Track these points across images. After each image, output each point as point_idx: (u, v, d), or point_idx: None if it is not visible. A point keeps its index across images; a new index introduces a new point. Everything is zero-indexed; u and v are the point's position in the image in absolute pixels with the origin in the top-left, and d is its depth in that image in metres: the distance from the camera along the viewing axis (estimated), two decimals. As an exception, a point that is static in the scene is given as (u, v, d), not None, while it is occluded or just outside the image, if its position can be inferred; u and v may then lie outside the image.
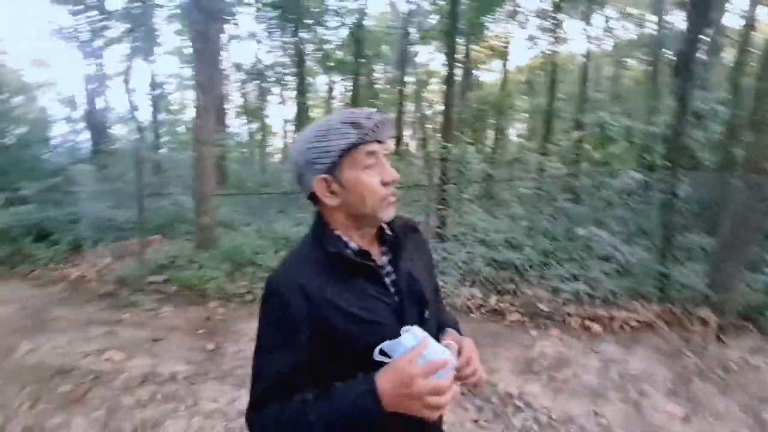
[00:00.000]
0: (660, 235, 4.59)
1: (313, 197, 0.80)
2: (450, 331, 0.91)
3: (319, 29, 17.09)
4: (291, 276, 0.75)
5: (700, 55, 4.75)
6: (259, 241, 5.14)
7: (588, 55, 9.86)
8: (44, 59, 22.45)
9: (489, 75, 19.92)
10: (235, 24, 16.91)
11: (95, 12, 15.14)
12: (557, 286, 4.47)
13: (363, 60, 14.89)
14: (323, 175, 0.76)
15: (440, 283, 4.19)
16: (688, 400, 2.72)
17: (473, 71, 16.56)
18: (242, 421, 2.43)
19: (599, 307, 4.06)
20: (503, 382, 2.86)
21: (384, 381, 0.65)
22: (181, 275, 4.40)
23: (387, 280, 0.81)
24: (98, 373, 2.85)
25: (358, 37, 12.17)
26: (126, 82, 17.10)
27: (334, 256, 0.76)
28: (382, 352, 0.69)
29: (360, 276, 0.77)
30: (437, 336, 0.84)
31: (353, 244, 0.79)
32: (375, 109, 0.81)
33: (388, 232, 0.86)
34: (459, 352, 0.76)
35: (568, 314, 3.91)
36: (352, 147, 0.74)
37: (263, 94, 19.86)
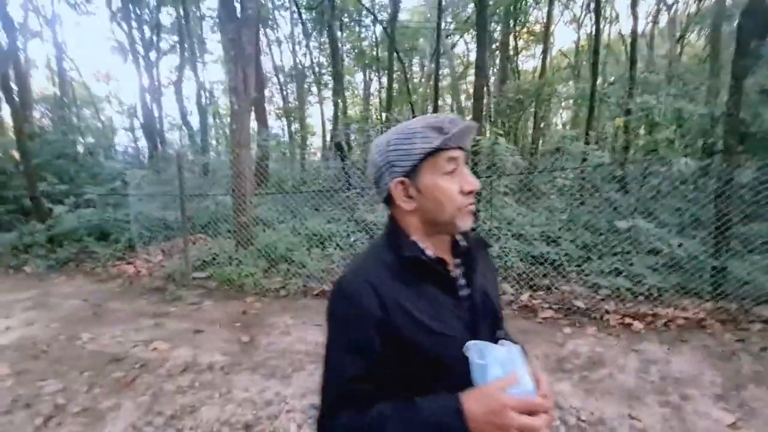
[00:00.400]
0: (714, 226, 4.22)
1: (388, 200, 0.79)
2: (501, 335, 0.87)
3: (355, 27, 17.31)
4: (363, 277, 0.73)
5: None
6: (292, 238, 5.32)
7: (634, 34, 9.13)
8: (109, 73, 24.43)
9: (533, 62, 19.19)
10: (274, 27, 17.57)
11: (147, 27, 16.31)
12: (596, 281, 4.26)
13: (398, 55, 14.83)
14: (402, 178, 0.75)
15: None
16: (739, 407, 2.50)
17: (512, 59, 16.00)
18: (270, 410, 2.56)
19: (642, 304, 3.82)
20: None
21: (473, 403, 0.64)
22: (221, 272, 4.67)
23: (461, 293, 0.79)
24: (146, 361, 3.11)
25: (391, 32, 12.10)
26: (178, 90, 18.29)
27: (410, 261, 0.74)
28: (470, 349, 0.68)
29: (434, 285, 0.75)
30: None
31: (429, 252, 0.77)
32: (458, 116, 0.81)
33: (463, 243, 0.84)
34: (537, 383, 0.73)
35: (607, 311, 3.71)
36: (434, 152, 0.73)
37: (303, 94, 20.42)
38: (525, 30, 15.87)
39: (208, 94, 19.41)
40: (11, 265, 5.26)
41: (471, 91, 19.96)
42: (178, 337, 3.50)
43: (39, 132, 11.33)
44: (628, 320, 3.58)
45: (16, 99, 12.85)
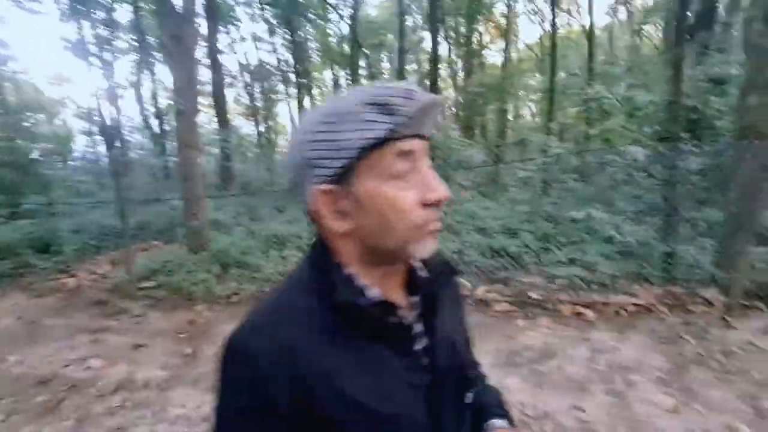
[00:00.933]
0: (665, 212, 4.32)
1: (316, 215, 0.53)
2: (499, 427, 0.67)
3: (320, 23, 17.05)
4: (271, 339, 0.49)
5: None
6: (247, 241, 5.14)
7: (591, 27, 9.33)
8: (63, 75, 23.32)
9: (500, 56, 19.44)
10: (237, 25, 17.11)
11: (102, 26, 15.57)
12: (553, 272, 4.28)
13: (363, 51, 14.70)
14: (328, 186, 0.51)
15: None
16: (680, 390, 2.52)
17: (478, 53, 16.15)
18: (206, 426, 2.41)
19: (596, 292, 3.85)
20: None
21: None
22: (171, 279, 4.45)
23: (417, 347, 0.57)
24: (76, 381, 2.89)
25: (353, 27, 11.97)
26: (137, 92, 17.60)
27: (344, 309, 0.51)
28: None
29: (378, 341, 0.53)
30: (478, 425, 0.66)
31: (373, 291, 0.54)
32: (417, 85, 0.54)
33: (423, 274, 0.60)
34: None
35: (560, 302, 3.72)
36: (377, 144, 0.48)
37: (270, 92, 20.01)
38: (490, 24, 16.04)
39: (168, 96, 18.77)
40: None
41: (441, 86, 20.13)
42: (116, 353, 3.28)
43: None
44: (580, 309, 3.59)
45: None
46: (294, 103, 19.89)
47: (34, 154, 10.26)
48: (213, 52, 11.15)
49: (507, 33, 12.58)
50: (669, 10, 9.79)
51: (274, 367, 0.47)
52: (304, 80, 18.52)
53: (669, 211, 4.19)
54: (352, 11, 13.03)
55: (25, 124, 15.23)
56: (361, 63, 17.96)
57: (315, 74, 21.09)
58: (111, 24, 15.55)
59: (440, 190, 0.51)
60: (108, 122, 15.97)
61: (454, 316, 0.67)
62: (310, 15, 16.06)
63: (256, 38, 18.07)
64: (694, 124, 4.94)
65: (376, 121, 0.48)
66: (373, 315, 0.52)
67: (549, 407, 2.42)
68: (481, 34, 16.32)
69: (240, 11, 16.63)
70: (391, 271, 0.56)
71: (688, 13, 4.06)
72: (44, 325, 3.89)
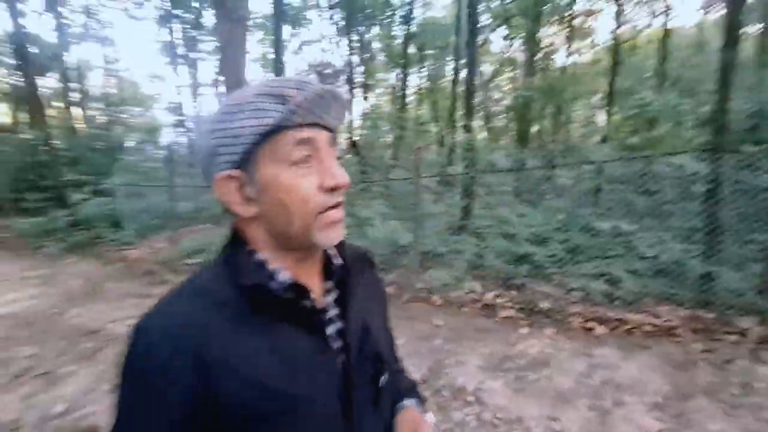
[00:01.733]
0: (707, 231, 3.93)
1: (224, 201, 0.55)
2: (408, 405, 0.71)
3: (386, 25, 17.41)
4: (175, 330, 0.48)
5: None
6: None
7: (666, 29, 8.59)
8: (158, 73, 26.29)
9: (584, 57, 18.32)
10: (307, 27, 18.06)
11: (190, 28, 17.33)
12: (574, 284, 4.10)
13: (430, 52, 14.77)
14: (229, 171, 0.53)
15: (445, 276, 4.14)
16: (674, 417, 2.36)
17: (544, 54, 15.44)
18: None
19: (615, 308, 3.64)
20: (463, 377, 2.76)
21: None
22: (209, 258, 4.95)
23: (330, 330, 0.58)
24: (116, 336, 3.39)
25: (407, 29, 12.11)
26: (216, 89, 19.33)
27: (252, 292, 0.52)
28: None
29: (290, 323, 0.54)
30: (393, 411, 0.68)
31: (284, 275, 0.55)
32: (314, 78, 0.57)
33: (337, 260, 0.63)
34: None
35: (571, 314, 3.58)
36: (273, 132, 0.51)
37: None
38: (562, 23, 15.25)
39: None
40: (35, 247, 5.86)
41: (507, 87, 19.54)
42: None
43: (87, 127, 12.42)
44: (591, 324, 3.43)
45: (70, 96, 14.15)
46: (358, 104, 20.55)
47: (128, 142, 11.73)
48: (278, 54, 11.90)
49: (571, 33, 11.92)
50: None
51: (176, 349, 0.47)
52: (368, 81, 19.06)
53: (710, 229, 3.81)
54: (408, 12, 13.17)
55: (123, 116, 17.45)
56: (425, 64, 18.12)
57: (382, 74, 21.50)
58: (197, 26, 17.25)
59: (339, 176, 0.53)
60: (189, 116, 17.75)
61: (373, 306, 0.68)
62: (375, 16, 16.50)
63: (323, 39, 18.94)
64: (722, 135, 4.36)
65: (268, 110, 0.51)
66: (283, 298, 0.53)
67: (523, 413, 2.40)
68: (553, 35, 15.60)
69: (312, 14, 17.60)
70: (304, 257, 0.57)
71: None
72: (104, 287, 4.55)
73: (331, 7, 16.11)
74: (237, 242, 0.57)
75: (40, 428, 2.29)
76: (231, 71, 4.94)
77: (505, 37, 13.85)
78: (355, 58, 18.81)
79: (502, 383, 2.71)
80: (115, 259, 5.44)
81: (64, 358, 3.03)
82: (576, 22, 15.03)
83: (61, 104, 14.14)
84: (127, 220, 6.30)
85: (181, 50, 17.96)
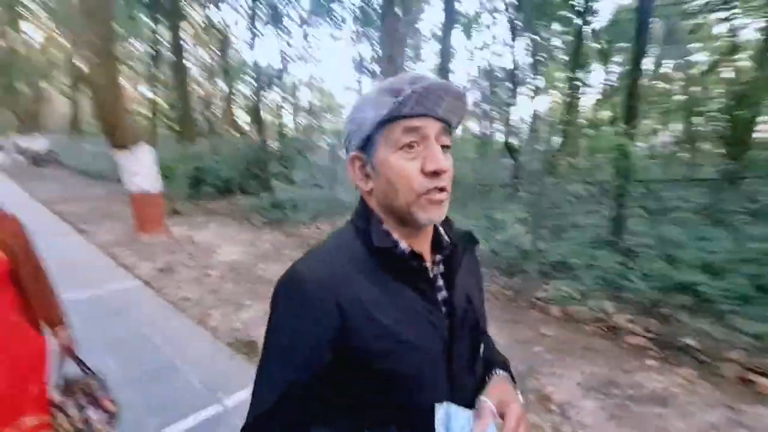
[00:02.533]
0: None
1: (351, 176, 0.68)
2: (500, 377, 0.74)
3: (565, 20, 16.13)
4: (324, 275, 0.60)
5: None
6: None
7: None
8: (351, 85, 30.93)
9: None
10: (480, 30, 18.26)
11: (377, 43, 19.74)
12: (750, 329, 3.28)
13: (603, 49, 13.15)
14: (355, 153, 0.66)
15: (566, 288, 3.95)
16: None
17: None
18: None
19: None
20: (554, 387, 2.68)
21: None
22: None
23: (439, 296, 0.67)
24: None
25: (579, 28, 10.97)
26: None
27: (380, 254, 0.63)
28: (437, 411, 0.60)
29: (408, 284, 0.64)
30: (484, 377, 0.74)
31: (403, 244, 0.65)
32: (432, 75, 0.65)
33: (446, 238, 0.72)
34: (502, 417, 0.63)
35: (727, 359, 2.93)
36: (389, 121, 0.60)
37: (512, 95, 20.48)
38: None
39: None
40: (246, 218, 7.97)
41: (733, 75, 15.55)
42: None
43: (293, 131, 15.69)
44: (752, 376, 2.76)
45: (284, 107, 18.01)
46: (530, 103, 19.72)
47: (322, 144, 14.23)
48: (444, 61, 12.53)
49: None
50: None
51: (321, 290, 0.59)
52: (539, 83, 18.09)
53: None
54: (585, 10, 11.92)
55: (318, 122, 21.14)
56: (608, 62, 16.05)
57: (558, 74, 20.07)
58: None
59: (438, 162, 0.60)
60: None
61: (473, 280, 0.76)
62: (556, 15, 15.47)
63: (494, 42, 18.79)
64: None
65: (384, 103, 0.60)
66: (403, 260, 0.63)
67: (609, 439, 2.24)
68: None
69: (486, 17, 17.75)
70: (415, 232, 0.66)
71: None
72: (281, 252, 5.94)
73: (507, 9, 15.87)
74: (366, 212, 0.68)
75: (228, 334, 3.36)
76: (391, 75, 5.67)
77: (726, 19, 11.05)
78: (528, 59, 18.04)
79: (598, 405, 2.53)
80: (294, 234, 6.95)
81: (248, 295, 4.22)
82: None
83: (277, 113, 18.33)
84: (303, 205, 7.91)
85: (367, 63, 20.66)
